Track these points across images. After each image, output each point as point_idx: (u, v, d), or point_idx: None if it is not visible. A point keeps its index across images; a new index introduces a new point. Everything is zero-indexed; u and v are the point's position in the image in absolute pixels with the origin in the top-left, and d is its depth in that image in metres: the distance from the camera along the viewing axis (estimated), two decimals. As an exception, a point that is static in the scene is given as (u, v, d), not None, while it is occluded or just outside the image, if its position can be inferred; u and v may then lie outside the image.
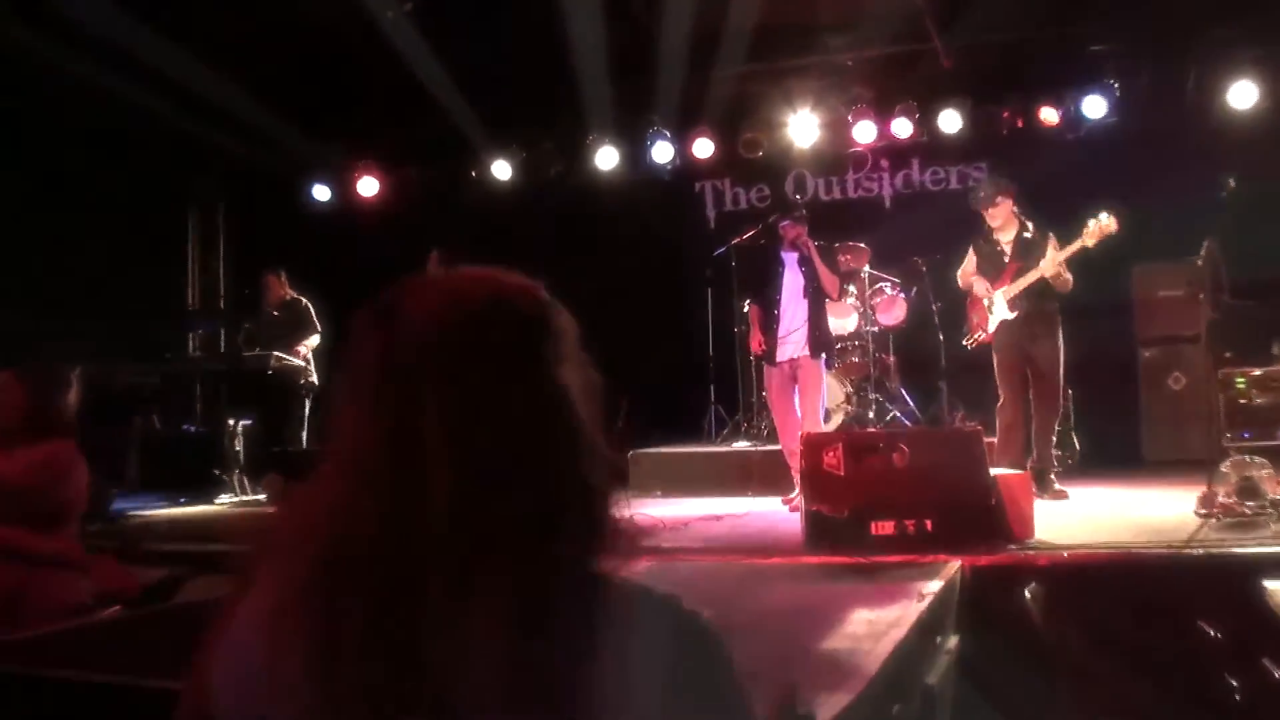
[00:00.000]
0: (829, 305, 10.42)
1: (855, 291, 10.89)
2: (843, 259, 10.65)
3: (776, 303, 8.84)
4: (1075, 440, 10.60)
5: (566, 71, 11.03)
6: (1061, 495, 8.14)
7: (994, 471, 6.67)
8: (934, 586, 5.10)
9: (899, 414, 10.70)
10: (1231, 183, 7.76)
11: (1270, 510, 6.50)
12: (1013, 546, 6.25)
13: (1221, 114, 10.76)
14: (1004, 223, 8.46)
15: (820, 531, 6.53)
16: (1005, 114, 11.61)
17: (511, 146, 12.66)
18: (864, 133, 11.83)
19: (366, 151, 12.63)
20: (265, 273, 11.13)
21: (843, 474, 6.63)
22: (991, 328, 8.49)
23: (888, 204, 12.39)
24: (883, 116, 11.80)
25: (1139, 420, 10.81)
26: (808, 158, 12.37)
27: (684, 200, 12.78)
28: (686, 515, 8.23)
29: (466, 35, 10.50)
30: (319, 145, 12.44)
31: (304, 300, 10.96)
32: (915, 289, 10.77)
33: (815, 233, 10.81)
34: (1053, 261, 8.16)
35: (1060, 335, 8.34)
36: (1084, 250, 8.15)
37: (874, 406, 10.61)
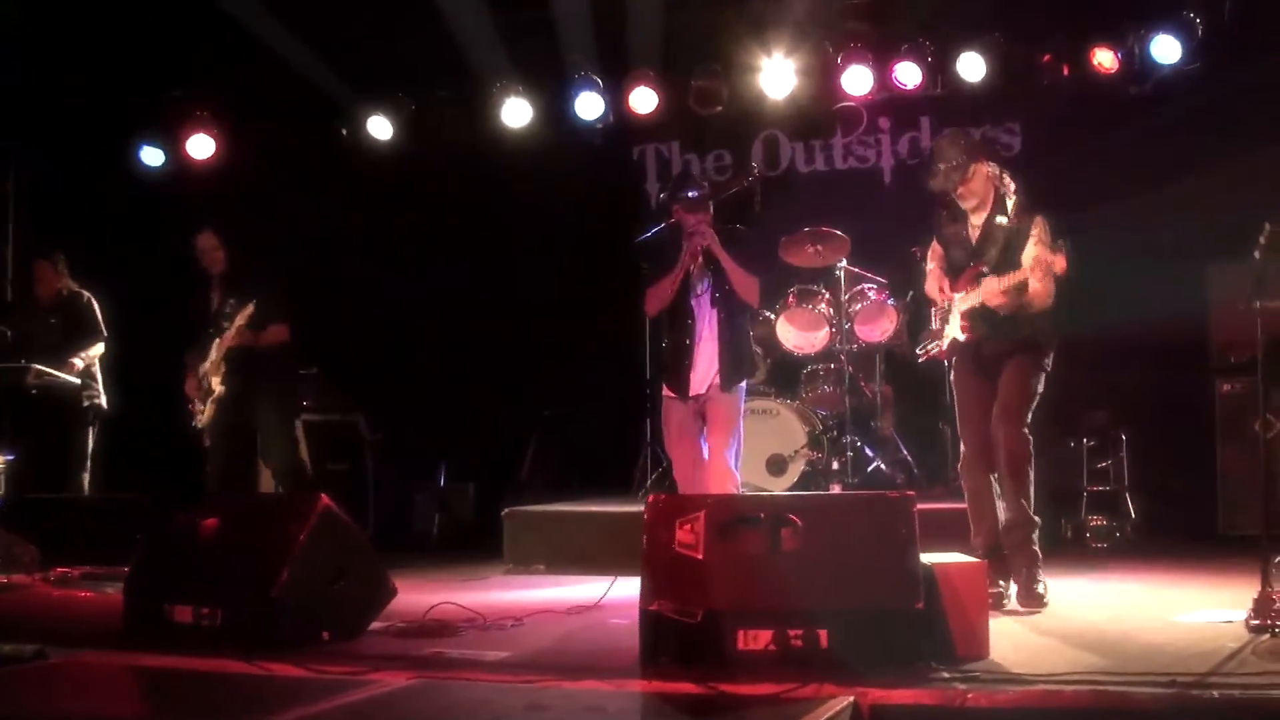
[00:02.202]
0: (788, 314, 9.28)
1: (827, 296, 9.57)
2: (811, 250, 9.43)
3: (688, 316, 7.58)
4: (1130, 505, 9.44)
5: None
6: (1034, 604, 6.68)
7: (932, 559, 5.41)
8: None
9: (884, 464, 9.44)
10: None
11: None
12: (945, 674, 4.99)
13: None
14: (980, 200, 7.06)
15: (660, 641, 5.34)
16: (1046, 58, 10.31)
17: (397, 98, 11.42)
18: (857, 81, 10.54)
19: (203, 105, 11.46)
20: (36, 259, 9.97)
21: (701, 557, 5.41)
22: (945, 342, 7.17)
23: (887, 177, 11.41)
24: (883, 60, 10.47)
25: (1213, 479, 9.47)
26: (782, 115, 11.15)
27: (620, 170, 11.70)
28: (540, 601, 7.28)
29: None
30: (146, 99, 11.44)
31: (86, 295, 9.83)
32: (912, 293, 9.38)
33: (789, 216, 9.70)
34: (1036, 260, 6.73)
35: (1043, 368, 6.99)
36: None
37: (848, 454, 9.30)
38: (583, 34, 10.71)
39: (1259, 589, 5.71)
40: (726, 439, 7.42)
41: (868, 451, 9.48)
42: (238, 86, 11.36)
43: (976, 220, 7.07)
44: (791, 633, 5.17)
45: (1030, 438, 6.84)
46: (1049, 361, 6.97)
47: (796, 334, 9.58)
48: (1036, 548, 6.81)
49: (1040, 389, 6.94)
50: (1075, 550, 9.35)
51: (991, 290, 6.78)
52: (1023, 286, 6.72)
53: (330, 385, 10.93)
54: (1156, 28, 9.92)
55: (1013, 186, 7.06)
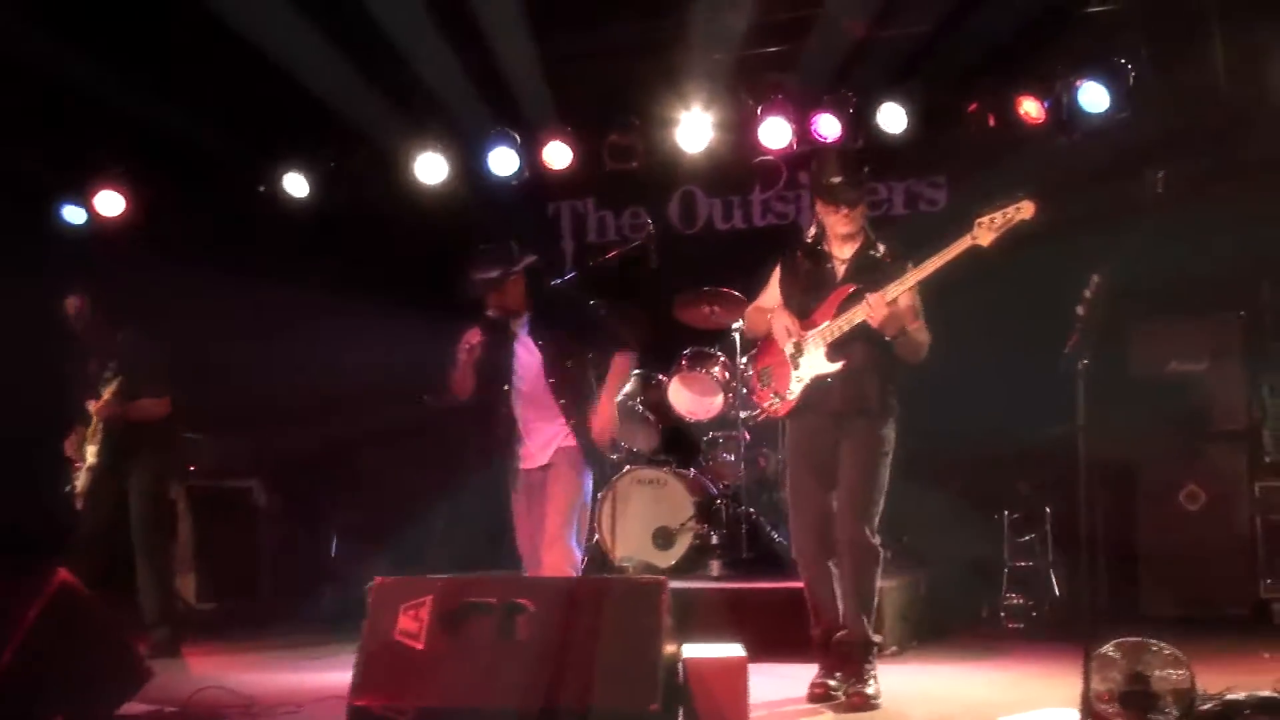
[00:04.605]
0: (681, 378, 8.80)
1: (723, 359, 9.08)
2: (706, 310, 8.95)
3: (509, 391, 7.11)
4: (1055, 582, 8.87)
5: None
6: (859, 700, 6.05)
7: (693, 650, 4.82)
8: None
9: (782, 539, 8.83)
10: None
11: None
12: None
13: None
14: (853, 229, 6.45)
15: (365, 744, 4.77)
16: (972, 108, 9.78)
17: (315, 153, 11.08)
18: (776, 134, 10.02)
19: (114, 162, 11.19)
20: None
21: (422, 647, 4.88)
22: (792, 393, 6.40)
23: (808, 234, 10.46)
24: (803, 112, 9.95)
25: (1135, 556, 8.89)
26: (700, 170, 10.71)
27: (536, 228, 11.12)
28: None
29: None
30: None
31: None
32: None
33: (702, 276, 9.22)
34: (904, 285, 6.07)
35: (892, 430, 6.34)
36: (971, 251, 5.97)
37: (743, 527, 8.78)
38: (497, 88, 10.26)
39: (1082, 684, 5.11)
40: (562, 516, 6.88)
41: (769, 529, 8.89)
42: (150, 143, 10.99)
43: (844, 253, 6.43)
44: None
45: (878, 541, 6.26)
46: (892, 437, 6.33)
47: (690, 399, 9.08)
48: (872, 657, 6.21)
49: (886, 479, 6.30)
50: (987, 630, 8.77)
51: (879, 300, 6.02)
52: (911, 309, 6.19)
53: (222, 450, 10.52)
54: (1084, 75, 9.35)
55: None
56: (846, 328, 6.18)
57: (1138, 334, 9.08)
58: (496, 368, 7.04)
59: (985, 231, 5.86)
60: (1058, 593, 8.99)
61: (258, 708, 6.01)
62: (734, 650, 5.25)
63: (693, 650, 5.08)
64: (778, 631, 6.99)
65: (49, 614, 5.53)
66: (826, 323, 6.26)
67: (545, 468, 6.97)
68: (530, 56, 10.04)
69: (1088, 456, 8.72)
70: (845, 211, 6.35)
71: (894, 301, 6.05)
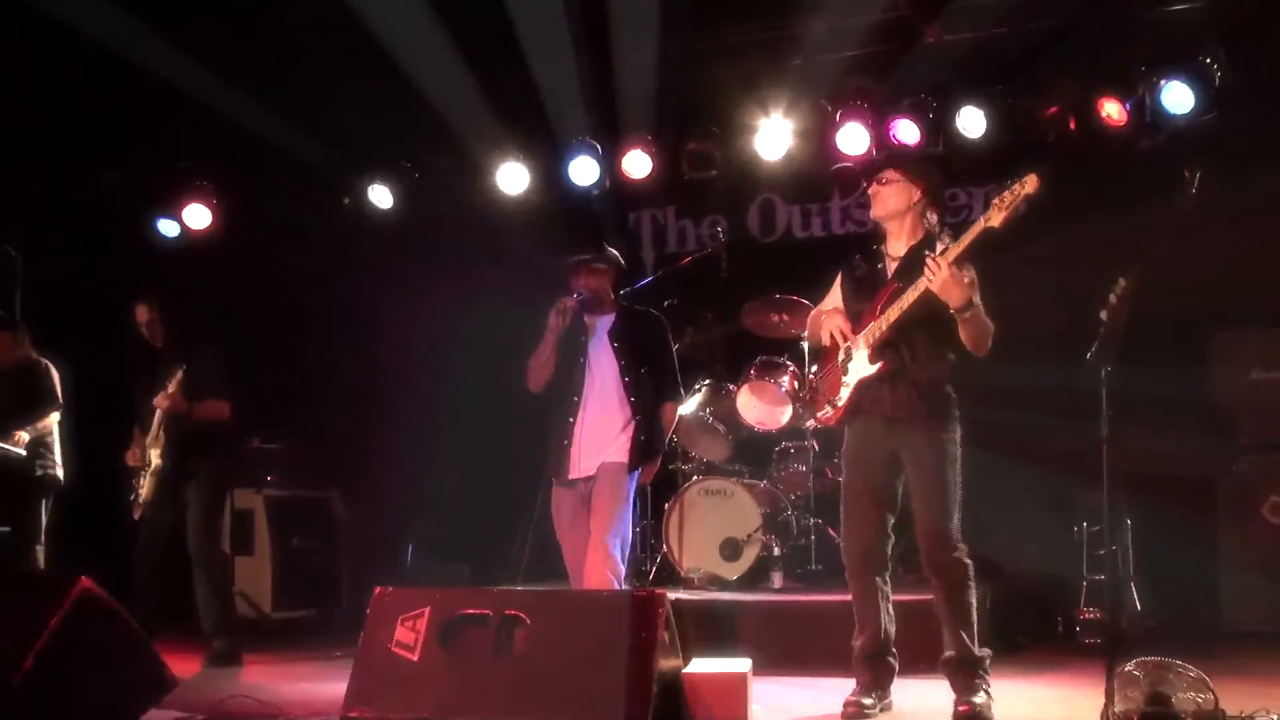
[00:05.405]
0: (750, 387, 8.71)
1: (793, 368, 8.97)
2: (775, 319, 8.84)
3: (575, 392, 7.14)
4: (1135, 593, 8.60)
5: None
6: (965, 710, 5.80)
7: (699, 665, 4.77)
8: None
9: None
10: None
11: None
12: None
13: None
14: (885, 212, 6.14)
15: (360, 754, 4.76)
16: (1052, 111, 9.53)
17: (399, 165, 11.18)
18: (854, 140, 9.85)
19: (200, 176, 11.39)
20: (-2, 330, 9.83)
21: (416, 659, 4.86)
22: (841, 399, 6.14)
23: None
24: (881, 118, 9.81)
25: (1217, 568, 8.66)
26: (779, 178, 10.60)
27: (617, 238, 10.94)
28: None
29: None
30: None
31: (44, 363, 9.57)
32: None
33: (783, 283, 9.13)
34: (940, 268, 5.64)
35: (953, 433, 6.00)
36: (986, 234, 5.64)
37: (811, 538, 8.68)
38: (575, 98, 10.26)
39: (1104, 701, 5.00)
40: (607, 523, 6.87)
41: (835, 537, 8.75)
42: (236, 159, 11.18)
43: (897, 250, 6.13)
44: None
45: (968, 559, 5.96)
46: (956, 439, 5.99)
47: (760, 409, 8.95)
48: (983, 671, 5.94)
49: (957, 485, 5.95)
50: (1062, 647, 8.53)
51: (941, 263, 5.61)
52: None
53: (302, 459, 10.62)
54: (1168, 75, 9.10)
55: (947, 232, 6.10)
56: (892, 319, 5.89)
57: (1218, 342, 8.78)
58: (575, 355, 7.13)
59: (996, 211, 5.58)
60: (1138, 607, 8.68)
61: (284, 716, 5.99)
62: (738, 665, 5.14)
63: (697, 665, 4.99)
64: (835, 644, 6.81)
65: (71, 621, 5.59)
66: (872, 323, 6.02)
67: (590, 480, 6.95)
68: (612, 66, 10.03)
69: (1168, 466, 8.61)
70: (872, 188, 6.15)
71: (962, 259, 5.68)
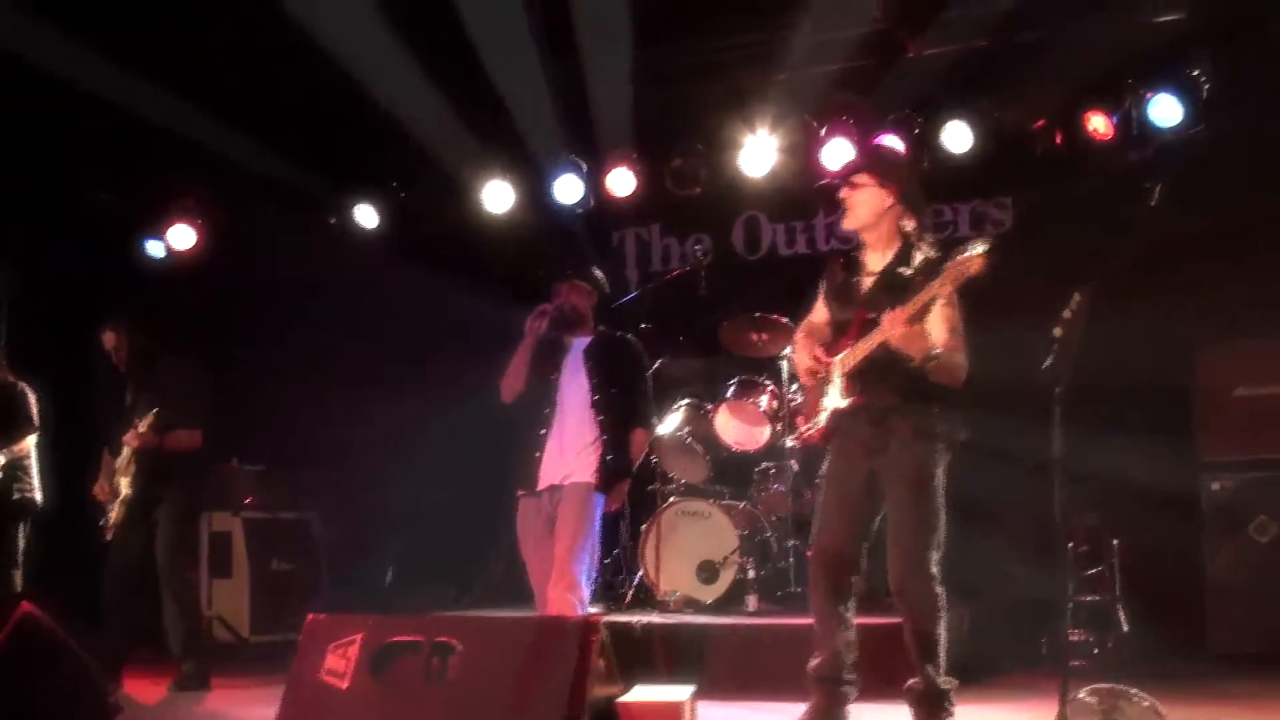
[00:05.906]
0: (729, 407, 8.61)
1: (772, 388, 8.86)
2: (754, 338, 8.73)
3: (547, 405, 7.13)
4: (1121, 616, 8.48)
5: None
6: None
7: (639, 692, 4.79)
8: None
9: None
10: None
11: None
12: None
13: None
14: (856, 225, 6.00)
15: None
16: (1038, 124, 9.51)
17: (385, 186, 11.14)
18: (838, 156, 9.72)
19: (185, 195, 11.34)
20: (-25, 351, 9.79)
21: (345, 687, 4.74)
22: (820, 421, 5.98)
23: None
24: (866, 133, 9.71)
25: (1202, 591, 8.51)
26: (763, 195, 10.53)
27: (601, 255, 10.92)
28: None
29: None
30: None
31: (20, 385, 9.49)
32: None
33: (766, 302, 9.03)
34: (894, 326, 5.50)
35: (940, 456, 5.80)
36: (928, 304, 5.48)
37: (789, 561, 8.55)
38: (555, 116, 10.19)
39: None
40: (570, 546, 6.78)
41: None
42: (222, 179, 11.13)
43: (874, 264, 5.95)
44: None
45: (939, 588, 5.74)
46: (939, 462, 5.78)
47: (738, 429, 8.85)
48: (947, 703, 5.76)
49: (942, 512, 5.76)
50: (1046, 669, 8.37)
51: (895, 320, 5.47)
52: (928, 322, 5.58)
53: (282, 481, 10.53)
54: (1155, 88, 8.99)
55: (927, 239, 5.91)
56: (859, 355, 5.74)
57: (1202, 357, 8.64)
58: (549, 369, 7.14)
59: (943, 283, 5.38)
60: (1125, 628, 8.53)
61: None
62: (678, 693, 5.02)
63: (636, 693, 4.87)
64: (802, 668, 6.67)
65: (10, 646, 5.51)
66: (847, 351, 5.83)
67: (556, 490, 6.88)
68: (594, 83, 9.93)
69: (1152, 485, 8.47)
70: (844, 192, 5.99)
71: (916, 319, 5.51)
